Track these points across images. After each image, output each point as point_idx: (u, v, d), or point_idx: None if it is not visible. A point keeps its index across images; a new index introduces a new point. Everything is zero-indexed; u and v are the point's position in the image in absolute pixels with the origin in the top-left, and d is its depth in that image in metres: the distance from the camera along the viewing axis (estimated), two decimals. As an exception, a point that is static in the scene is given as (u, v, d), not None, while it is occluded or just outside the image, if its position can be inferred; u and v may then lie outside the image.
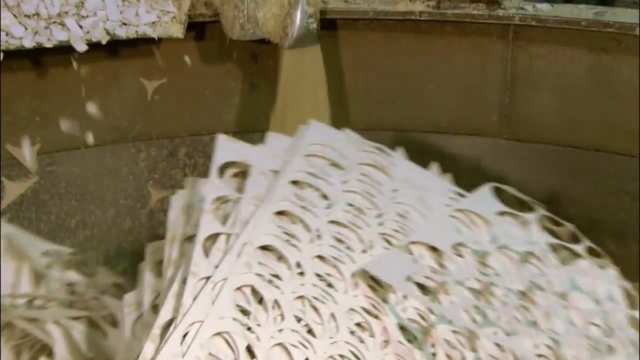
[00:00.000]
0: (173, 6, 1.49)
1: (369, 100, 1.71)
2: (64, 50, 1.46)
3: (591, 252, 1.30)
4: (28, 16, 1.37)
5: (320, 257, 1.09)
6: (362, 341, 1.03)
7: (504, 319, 1.12)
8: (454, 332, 1.08)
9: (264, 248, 1.07)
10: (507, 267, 1.20)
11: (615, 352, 1.12)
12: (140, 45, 1.57)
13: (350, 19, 1.63)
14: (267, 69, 1.64)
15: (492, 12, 1.57)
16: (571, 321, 1.17)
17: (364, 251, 1.13)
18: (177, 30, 1.50)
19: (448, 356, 1.05)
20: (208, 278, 1.00)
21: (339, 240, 1.13)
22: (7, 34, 1.36)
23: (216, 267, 1.02)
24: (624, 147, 1.59)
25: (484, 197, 1.31)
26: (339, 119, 1.59)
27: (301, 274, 1.06)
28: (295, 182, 1.18)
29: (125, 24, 1.45)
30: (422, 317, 1.08)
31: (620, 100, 1.56)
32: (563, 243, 1.29)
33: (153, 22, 1.48)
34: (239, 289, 1.01)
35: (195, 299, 0.97)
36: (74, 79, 1.56)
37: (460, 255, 1.18)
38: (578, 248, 1.29)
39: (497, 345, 1.09)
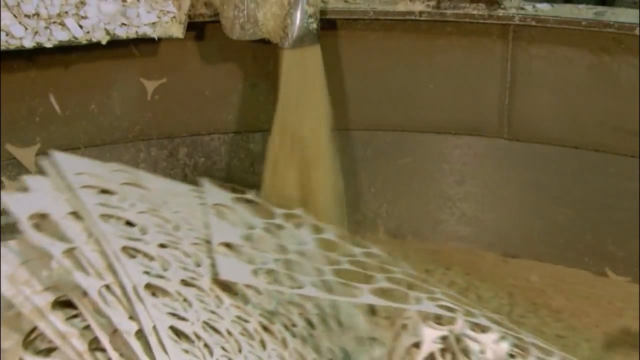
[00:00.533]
0: (173, 6, 1.49)
1: (369, 100, 1.71)
2: (64, 50, 1.46)
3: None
4: (28, 16, 1.37)
5: (182, 281, 1.08)
6: (252, 347, 1.04)
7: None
8: (283, 311, 1.14)
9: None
10: (266, 242, 1.27)
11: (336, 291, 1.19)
12: (140, 45, 1.57)
13: (350, 19, 1.63)
14: (267, 69, 1.65)
15: (492, 12, 1.57)
16: (317, 269, 1.24)
17: (198, 265, 1.13)
18: (177, 30, 1.50)
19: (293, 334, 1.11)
20: (139, 331, 0.96)
21: (179, 261, 1.12)
22: (7, 34, 1.36)
23: (130, 318, 0.98)
24: (624, 147, 1.59)
25: (213, 190, 1.38)
26: (339, 119, 1.60)
27: (185, 300, 1.05)
28: (101, 217, 1.13)
29: (125, 24, 1.45)
30: (264, 308, 1.13)
31: (620, 100, 1.56)
32: (289, 211, 1.40)
33: (153, 22, 1.48)
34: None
35: (152, 357, 0.94)
36: (74, 79, 1.56)
37: (242, 245, 1.22)
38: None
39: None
